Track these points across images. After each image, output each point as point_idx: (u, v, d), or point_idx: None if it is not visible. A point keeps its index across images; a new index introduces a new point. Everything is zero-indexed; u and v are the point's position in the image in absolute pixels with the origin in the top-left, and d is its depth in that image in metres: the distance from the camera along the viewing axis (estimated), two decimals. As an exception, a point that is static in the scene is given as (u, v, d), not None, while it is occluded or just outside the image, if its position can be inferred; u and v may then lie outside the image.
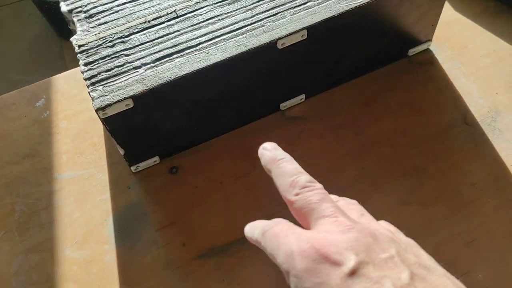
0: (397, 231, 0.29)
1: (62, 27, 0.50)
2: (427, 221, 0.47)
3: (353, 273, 0.22)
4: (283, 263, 0.24)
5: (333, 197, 0.30)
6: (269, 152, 0.30)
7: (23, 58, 1.54)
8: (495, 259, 0.44)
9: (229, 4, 0.48)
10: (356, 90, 0.56)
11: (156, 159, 0.52)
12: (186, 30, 0.46)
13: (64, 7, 0.50)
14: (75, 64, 0.46)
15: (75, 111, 0.58)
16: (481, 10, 0.63)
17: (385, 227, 0.28)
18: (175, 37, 0.46)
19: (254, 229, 0.29)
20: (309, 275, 0.23)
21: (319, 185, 0.28)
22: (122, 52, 0.45)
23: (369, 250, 0.23)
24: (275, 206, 0.49)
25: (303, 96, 0.55)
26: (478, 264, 0.44)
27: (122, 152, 0.48)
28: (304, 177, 0.28)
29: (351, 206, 0.30)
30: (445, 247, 0.45)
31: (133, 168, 0.51)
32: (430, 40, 0.58)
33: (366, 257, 0.23)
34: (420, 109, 0.54)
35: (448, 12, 0.63)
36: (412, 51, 0.58)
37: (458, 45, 0.59)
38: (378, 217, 0.47)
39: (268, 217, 0.48)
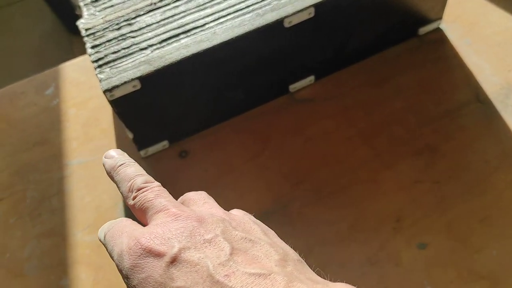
0: (245, 214, 0.28)
1: (72, 23, 0.50)
2: (440, 199, 0.46)
3: (174, 260, 0.22)
4: (117, 265, 0.24)
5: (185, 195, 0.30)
6: (110, 159, 0.29)
7: (33, 53, 1.55)
8: (509, 235, 0.43)
9: (235, -16, 0.47)
10: (366, 71, 0.55)
11: (165, 143, 0.52)
12: (192, 10, 0.46)
13: (70, -8, 0.49)
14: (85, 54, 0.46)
15: (84, 98, 0.58)
16: (493, -13, 0.62)
17: (225, 212, 0.27)
18: (181, 18, 0.46)
19: (101, 231, 0.28)
20: (135, 272, 0.22)
21: (155, 184, 0.28)
22: (129, 34, 0.45)
23: (193, 234, 0.23)
24: (285, 187, 0.49)
25: (312, 77, 0.54)
26: (492, 240, 0.43)
27: (131, 135, 0.48)
28: (140, 178, 0.27)
29: (195, 196, 0.29)
30: (458, 224, 0.44)
31: (142, 153, 0.51)
32: (441, 18, 0.57)
33: (188, 242, 0.22)
34: (431, 88, 0.53)
35: (458, -10, 0.62)
36: (422, 30, 0.57)
37: (469, 23, 0.58)
38: (391, 196, 0.47)
39: (279, 198, 0.48)
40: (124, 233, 0.25)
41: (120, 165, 0.28)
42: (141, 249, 0.23)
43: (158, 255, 0.22)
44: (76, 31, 0.48)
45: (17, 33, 1.62)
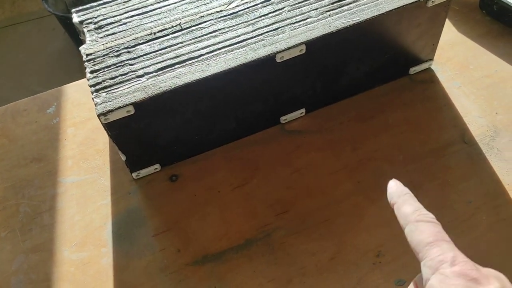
0: None
1: (83, 42, 0.53)
2: (420, 236, 0.47)
3: None
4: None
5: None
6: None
7: (44, 70, 1.59)
8: (487, 277, 0.44)
9: (232, 18, 0.50)
10: (356, 106, 0.57)
11: (157, 166, 0.53)
12: (189, 42, 0.48)
13: (75, 18, 0.52)
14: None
15: (83, 118, 0.60)
16: (485, 31, 0.63)
17: None
18: (178, 48, 0.48)
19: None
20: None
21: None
22: (127, 62, 0.47)
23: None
24: (270, 216, 0.50)
25: (303, 110, 0.56)
26: (469, 281, 0.44)
27: (123, 158, 0.50)
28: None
29: None
30: (437, 263, 0.45)
31: (134, 175, 0.53)
32: (432, 59, 0.59)
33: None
34: (418, 127, 0.55)
35: (451, 33, 0.64)
36: (413, 70, 0.59)
37: (460, 66, 0.60)
38: (373, 231, 0.48)
39: (263, 226, 0.49)
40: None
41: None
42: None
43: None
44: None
45: (30, 49, 1.67)
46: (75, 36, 1.70)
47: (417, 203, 0.32)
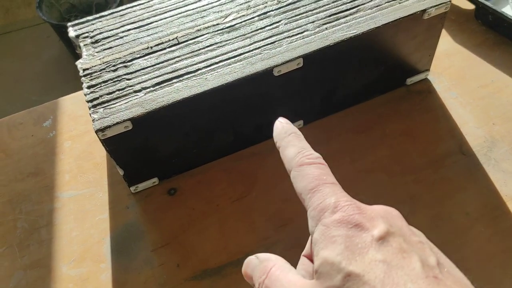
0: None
1: (79, 56, 0.53)
2: (419, 249, 0.47)
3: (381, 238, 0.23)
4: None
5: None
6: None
7: (39, 79, 1.59)
8: (487, 290, 0.44)
9: (229, 32, 0.50)
10: (353, 118, 0.57)
11: (155, 180, 0.53)
12: (186, 56, 0.48)
13: (72, 32, 0.52)
14: (83, 86, 0.48)
15: (80, 131, 0.59)
16: (481, 41, 0.64)
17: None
18: (175, 62, 0.48)
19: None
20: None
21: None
22: (124, 76, 0.47)
23: (401, 227, 0.25)
24: (269, 229, 0.50)
25: (301, 122, 0.56)
26: (469, 294, 0.44)
27: (121, 172, 0.50)
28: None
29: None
30: (436, 276, 0.45)
31: (132, 189, 0.53)
32: (428, 70, 0.59)
33: (397, 231, 0.24)
34: (416, 138, 0.55)
35: (447, 43, 0.64)
36: (410, 81, 0.59)
37: (456, 76, 0.60)
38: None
39: (262, 240, 0.49)
40: None
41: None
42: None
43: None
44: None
45: (25, 57, 1.66)
46: (70, 43, 1.70)
47: (302, 142, 0.29)
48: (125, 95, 0.46)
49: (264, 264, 0.28)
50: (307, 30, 0.49)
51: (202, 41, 0.49)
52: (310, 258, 0.29)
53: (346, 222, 0.24)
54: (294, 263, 0.47)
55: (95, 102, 0.45)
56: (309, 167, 0.27)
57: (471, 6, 0.67)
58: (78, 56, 0.52)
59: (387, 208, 0.27)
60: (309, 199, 0.26)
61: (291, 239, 0.49)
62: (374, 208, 0.26)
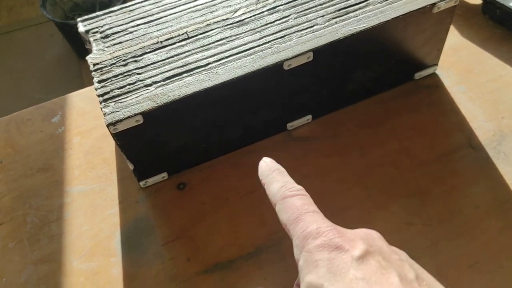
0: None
1: (82, 48, 0.53)
2: (430, 242, 0.47)
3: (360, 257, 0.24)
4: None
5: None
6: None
7: (43, 77, 1.59)
8: (498, 282, 0.44)
9: (238, 26, 0.50)
10: (362, 112, 0.57)
11: (164, 175, 0.53)
12: (196, 50, 0.48)
13: (81, 28, 0.52)
14: (92, 83, 0.48)
15: (89, 127, 0.60)
16: (488, 36, 0.64)
17: None
18: (185, 57, 0.48)
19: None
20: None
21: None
22: (135, 71, 0.47)
23: (380, 246, 0.26)
24: (279, 224, 0.50)
25: (309, 116, 0.56)
26: (481, 287, 0.44)
27: (131, 167, 0.50)
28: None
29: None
30: (448, 269, 0.45)
31: (142, 183, 0.53)
32: (436, 64, 0.59)
33: (376, 250, 0.25)
34: (425, 132, 0.55)
35: (455, 37, 0.64)
36: (418, 75, 0.59)
37: (464, 70, 0.60)
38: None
39: (272, 234, 0.49)
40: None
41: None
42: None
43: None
44: (85, 56, 0.50)
45: (28, 56, 1.66)
46: (74, 42, 1.70)
47: (285, 178, 0.31)
48: (136, 89, 0.46)
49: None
50: (316, 24, 0.49)
51: (212, 36, 0.49)
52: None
53: (327, 246, 0.25)
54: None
55: (106, 97, 0.45)
56: (291, 199, 0.29)
57: (478, 1, 0.67)
58: (81, 55, 0.52)
59: (367, 230, 0.28)
60: (293, 229, 0.27)
61: (301, 233, 0.49)
62: (355, 231, 0.27)
